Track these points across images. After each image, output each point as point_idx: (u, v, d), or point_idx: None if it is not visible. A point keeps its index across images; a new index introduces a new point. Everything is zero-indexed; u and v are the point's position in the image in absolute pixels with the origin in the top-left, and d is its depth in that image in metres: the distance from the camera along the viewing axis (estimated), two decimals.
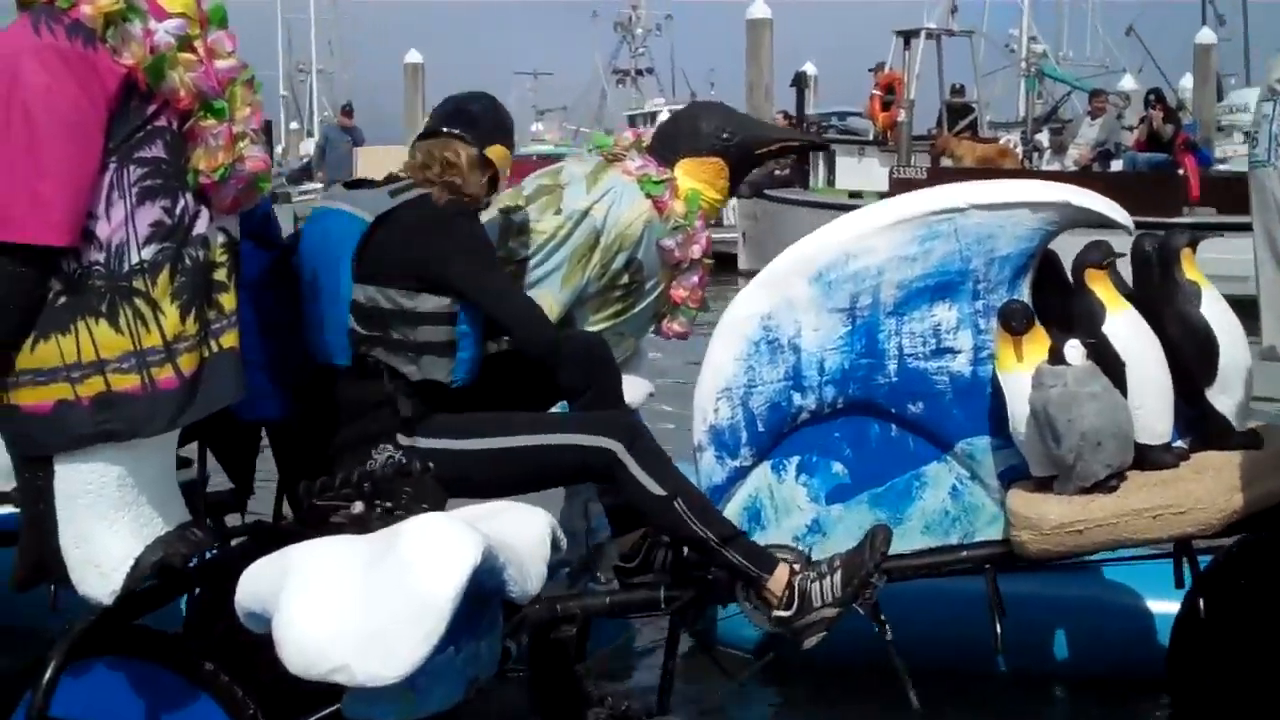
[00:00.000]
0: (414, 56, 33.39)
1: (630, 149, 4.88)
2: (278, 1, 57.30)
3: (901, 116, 27.45)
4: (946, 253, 4.26)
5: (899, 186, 25.44)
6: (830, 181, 28.07)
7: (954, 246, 4.25)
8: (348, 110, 28.84)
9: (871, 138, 28.51)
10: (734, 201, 31.25)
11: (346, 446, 4.05)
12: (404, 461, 3.97)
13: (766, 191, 27.39)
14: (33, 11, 3.42)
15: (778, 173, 29.34)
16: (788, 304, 4.30)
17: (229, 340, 3.60)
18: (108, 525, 3.52)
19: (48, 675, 3.53)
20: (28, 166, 3.31)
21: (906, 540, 4.25)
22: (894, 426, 4.37)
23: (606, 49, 68.68)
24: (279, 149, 42.43)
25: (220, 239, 3.58)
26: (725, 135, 4.82)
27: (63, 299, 3.42)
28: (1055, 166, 25.96)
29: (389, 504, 3.89)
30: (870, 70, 29.62)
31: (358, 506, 3.85)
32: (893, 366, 4.31)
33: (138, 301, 3.46)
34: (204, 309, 3.54)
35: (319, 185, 29.39)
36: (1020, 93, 31.75)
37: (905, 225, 4.27)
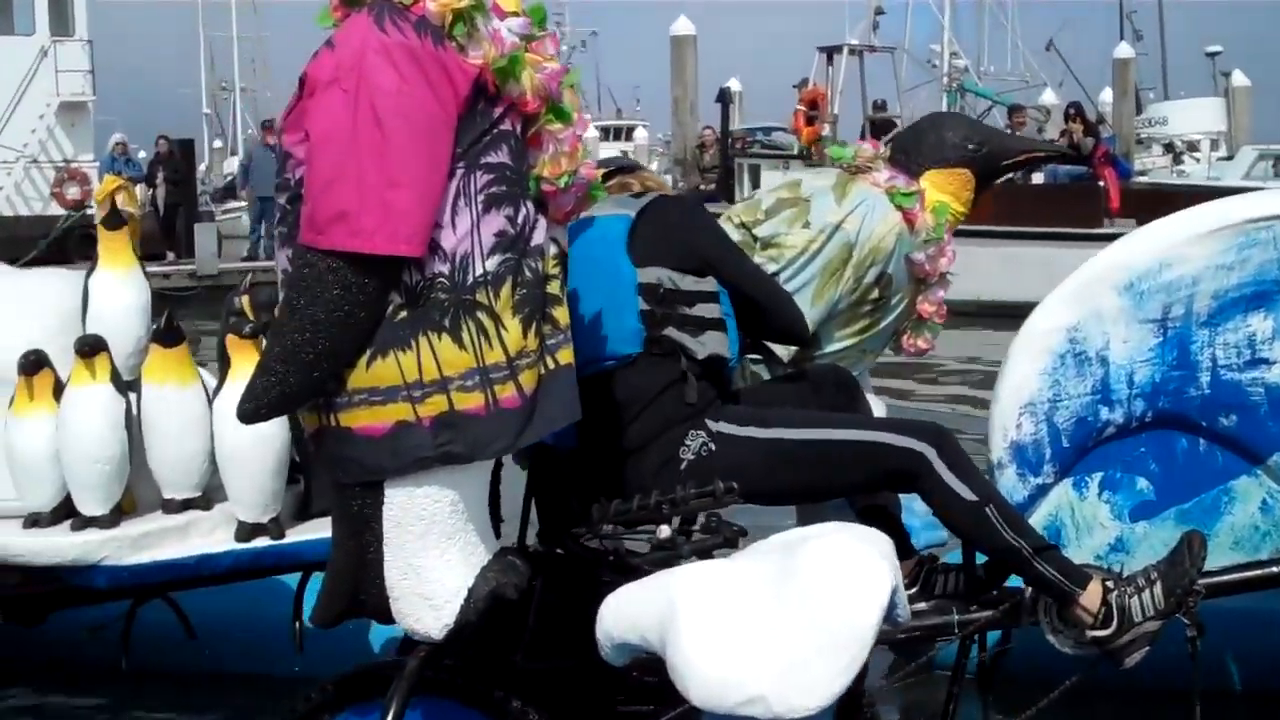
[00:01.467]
0: None
1: (875, 160, 4.73)
2: (199, 18, 56.85)
3: (825, 131, 27.47)
4: (1264, 261, 4.07)
5: None
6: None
7: (1272, 255, 4.06)
8: (269, 126, 28.58)
9: (796, 152, 28.49)
10: None
11: (651, 436, 3.71)
12: (713, 449, 3.70)
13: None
14: (372, 7, 3.14)
15: (703, 187, 29.36)
16: (1095, 315, 4.11)
17: (565, 356, 3.33)
18: (439, 555, 3.23)
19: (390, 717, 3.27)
20: (378, 173, 3.03)
21: (1214, 557, 3.95)
22: (1202, 440, 4.16)
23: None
24: (202, 167, 41.96)
25: (553, 250, 3.32)
26: (972, 146, 4.64)
27: (403, 313, 3.13)
28: None
29: (697, 529, 3.70)
30: (795, 86, 29.64)
31: (664, 531, 3.63)
32: (1205, 379, 4.11)
33: (480, 315, 3.16)
34: (542, 323, 3.28)
35: (243, 203, 29.14)
36: (942, 107, 31.79)
37: (1222, 233, 4.08)
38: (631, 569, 3.96)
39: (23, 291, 4.15)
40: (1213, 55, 44.75)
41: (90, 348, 3.75)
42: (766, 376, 4.29)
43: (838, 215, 4.40)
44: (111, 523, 3.75)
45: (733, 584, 3.05)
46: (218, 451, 3.79)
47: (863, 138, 28.49)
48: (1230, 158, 31.45)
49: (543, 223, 3.31)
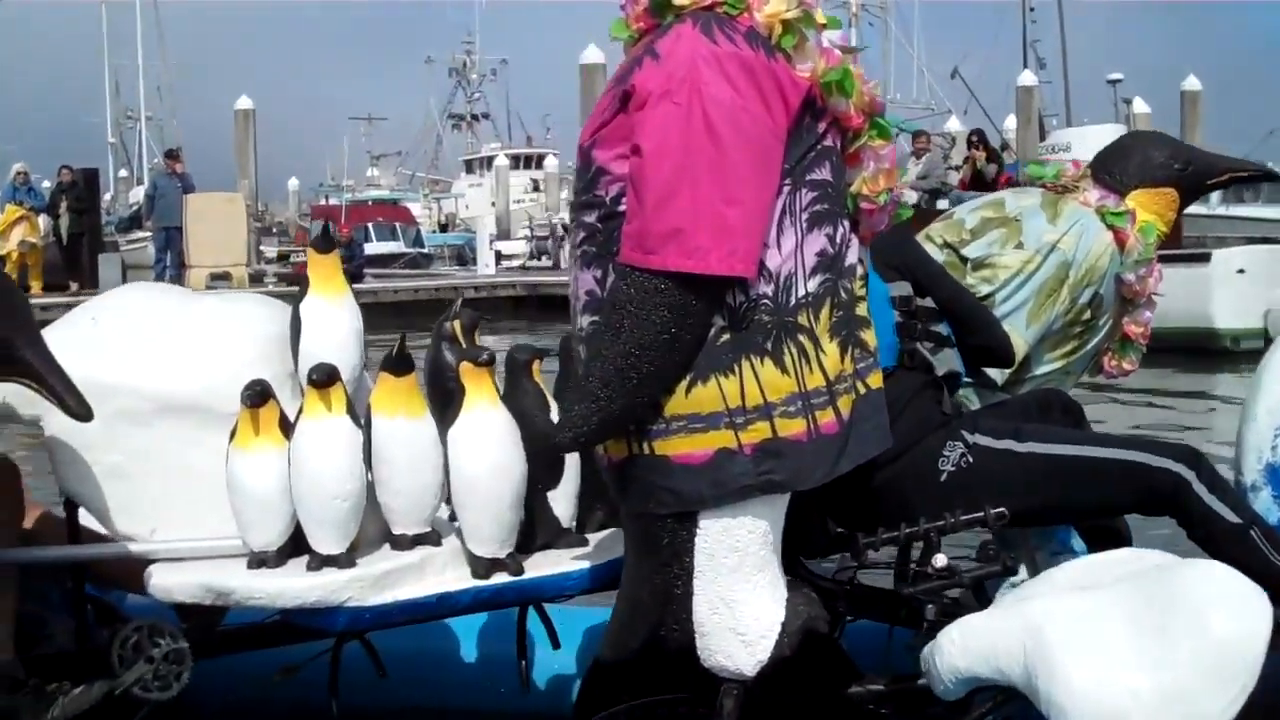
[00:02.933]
0: (245, 103, 32.54)
1: (1082, 179, 4.58)
2: (105, 47, 55.92)
3: None
4: None
5: None
6: None
7: None
8: (173, 155, 28.11)
9: None
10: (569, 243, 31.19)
11: (908, 444, 3.53)
12: (971, 461, 3.53)
13: None
14: (695, 17, 3.01)
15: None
16: None
17: (875, 380, 3.22)
18: (751, 588, 3.11)
19: None
20: (713, 189, 2.89)
21: None
22: None
23: (441, 94, 68.59)
24: (107, 197, 41.26)
25: (860, 270, 3.22)
26: (1178, 166, 4.52)
27: (726, 336, 3.01)
28: None
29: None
30: None
31: (940, 559, 3.46)
32: None
33: (801, 338, 3.05)
34: (855, 346, 3.17)
35: (148, 233, 28.59)
36: None
37: None
38: (870, 599, 3.84)
39: (226, 319, 3.91)
40: (1114, 83, 45.69)
41: (326, 377, 3.53)
42: (975, 403, 4.19)
43: (1054, 235, 4.30)
44: (349, 562, 3.54)
45: (1104, 616, 2.92)
46: (454, 484, 3.58)
47: None
48: None
49: (855, 241, 3.20)
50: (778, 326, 3.02)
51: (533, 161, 51.94)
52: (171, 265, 26.25)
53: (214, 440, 3.70)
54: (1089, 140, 39.51)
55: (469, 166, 54.92)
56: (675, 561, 3.11)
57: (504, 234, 42.08)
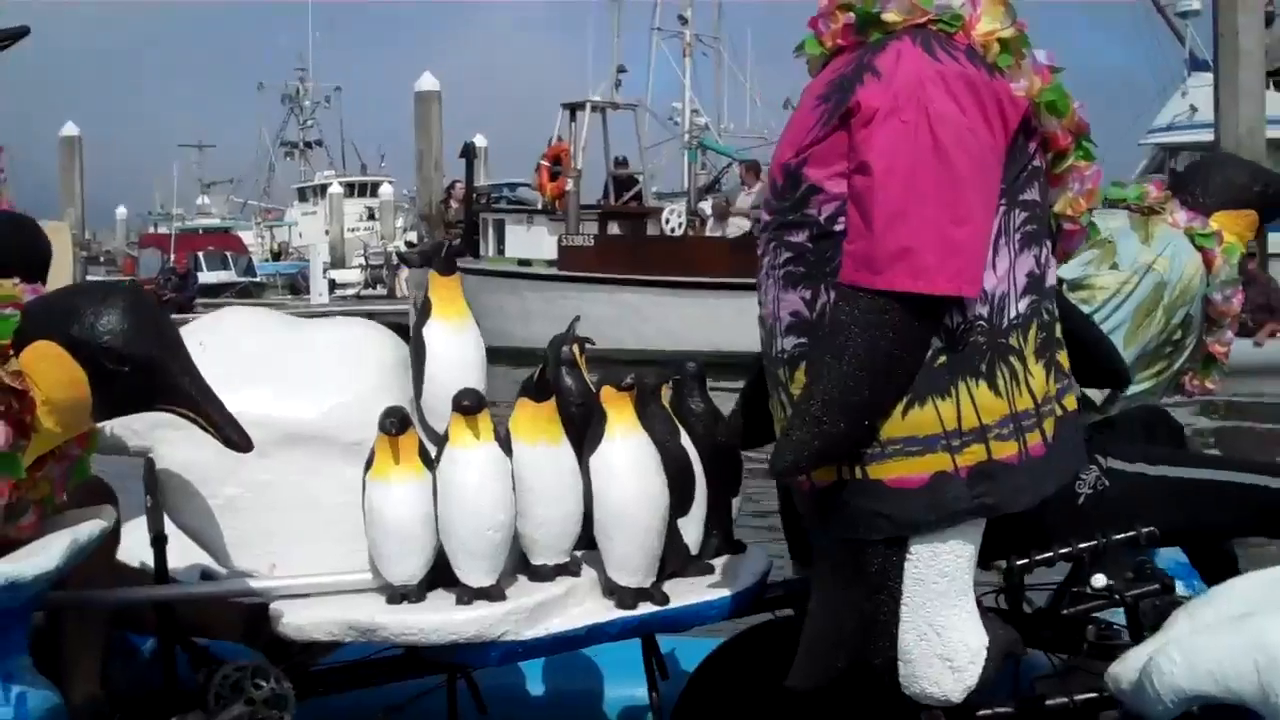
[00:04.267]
0: (70, 129, 31.67)
1: (1167, 201, 4.52)
2: None
3: (569, 186, 27.58)
4: None
5: (567, 253, 25.65)
6: (500, 250, 27.99)
7: None
8: None
9: (540, 207, 28.51)
10: (405, 271, 30.88)
11: None
12: (1107, 485, 3.52)
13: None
14: (914, 33, 2.95)
15: (448, 243, 29.00)
16: None
17: (1070, 402, 3.16)
18: (957, 613, 3.03)
19: None
20: (941, 209, 2.83)
21: None
22: None
23: (274, 121, 67.49)
24: None
25: (1054, 291, 3.17)
26: (1258, 188, 4.52)
27: (943, 358, 2.94)
28: (718, 233, 26.47)
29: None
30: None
31: (1099, 579, 3.43)
32: None
33: (1012, 360, 2.99)
34: (1055, 367, 3.10)
35: None
36: (683, 164, 32.20)
37: None
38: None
39: (344, 345, 3.73)
40: None
41: (474, 404, 3.39)
42: None
43: (1149, 256, 4.30)
44: (500, 594, 3.40)
45: None
46: (599, 513, 3.46)
47: (605, 194, 28.81)
48: None
49: (1054, 262, 3.17)
50: (991, 348, 2.98)
51: (367, 189, 51.26)
52: None
53: (334, 470, 3.56)
54: None
55: (302, 194, 54.19)
56: (883, 588, 3.04)
57: (338, 262, 41.55)
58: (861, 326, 2.89)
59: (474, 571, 3.39)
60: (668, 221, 28.39)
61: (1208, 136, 22.63)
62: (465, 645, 3.35)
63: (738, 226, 25.53)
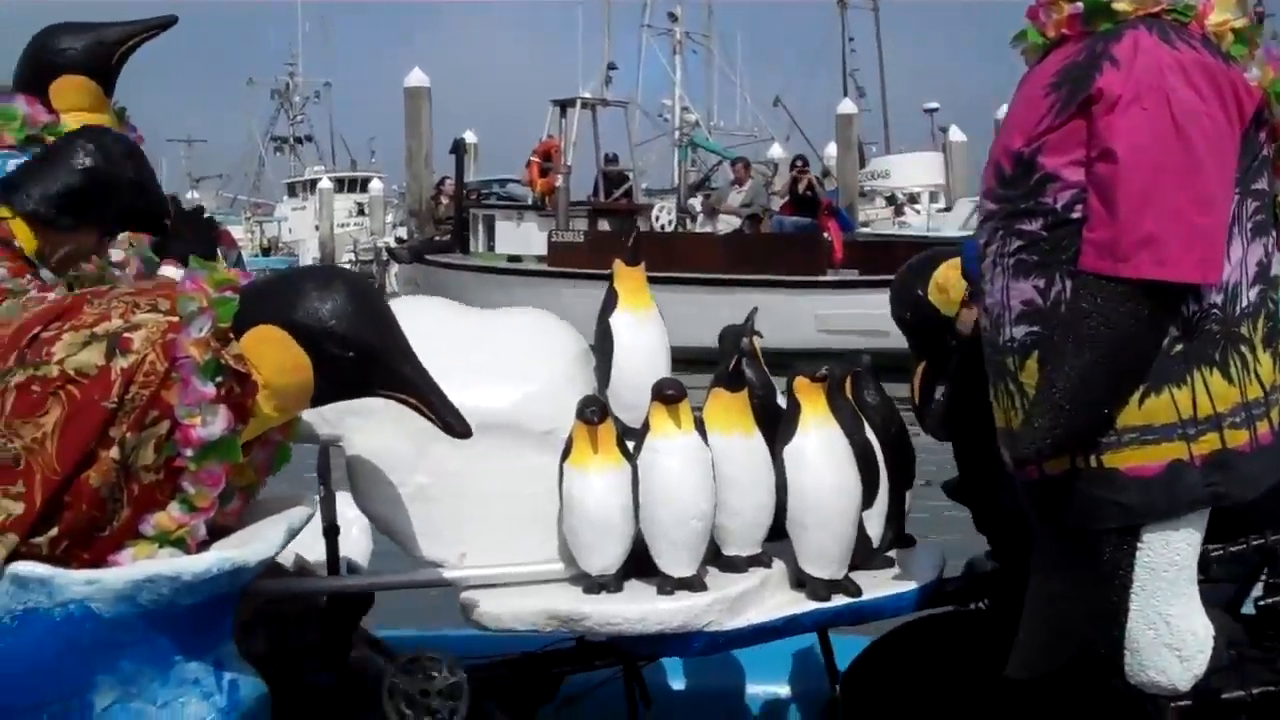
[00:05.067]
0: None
1: None
2: None
3: (559, 183, 27.51)
4: None
5: (557, 249, 25.55)
6: (490, 246, 27.87)
7: None
8: None
9: (530, 203, 28.44)
10: (394, 266, 30.74)
11: None
12: None
13: (427, 257, 26.97)
14: (1149, 22, 2.92)
15: (437, 238, 28.98)
16: None
17: None
18: (1185, 601, 3.00)
19: None
20: (1185, 196, 2.82)
21: None
22: None
23: (264, 116, 66.99)
24: None
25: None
26: None
27: (1179, 346, 2.92)
28: (708, 229, 26.44)
29: None
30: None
31: None
32: None
33: (1243, 349, 2.96)
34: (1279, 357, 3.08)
35: None
36: (674, 161, 32.19)
37: None
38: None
39: (531, 334, 3.69)
40: (931, 111, 46.79)
41: (677, 393, 3.36)
42: None
43: None
44: (701, 585, 3.36)
45: None
46: (792, 503, 3.43)
47: (595, 191, 28.75)
48: (948, 209, 32.72)
49: (1278, 253, 3.15)
50: (1224, 337, 2.96)
51: (357, 185, 50.92)
52: None
53: (525, 460, 3.53)
54: (908, 167, 40.89)
55: (292, 190, 53.66)
56: (1113, 577, 3.01)
57: (328, 257, 41.22)
58: (1104, 315, 2.87)
59: (676, 561, 3.36)
60: (657, 218, 28.34)
61: None
62: (668, 636, 3.31)
63: (727, 224, 25.51)
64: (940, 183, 38.52)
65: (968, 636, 3.82)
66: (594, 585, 3.40)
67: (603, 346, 3.63)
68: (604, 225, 27.94)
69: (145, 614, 2.91)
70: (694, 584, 3.36)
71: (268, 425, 3.13)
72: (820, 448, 3.43)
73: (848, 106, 34.57)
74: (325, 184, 47.61)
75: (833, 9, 49.23)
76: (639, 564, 3.44)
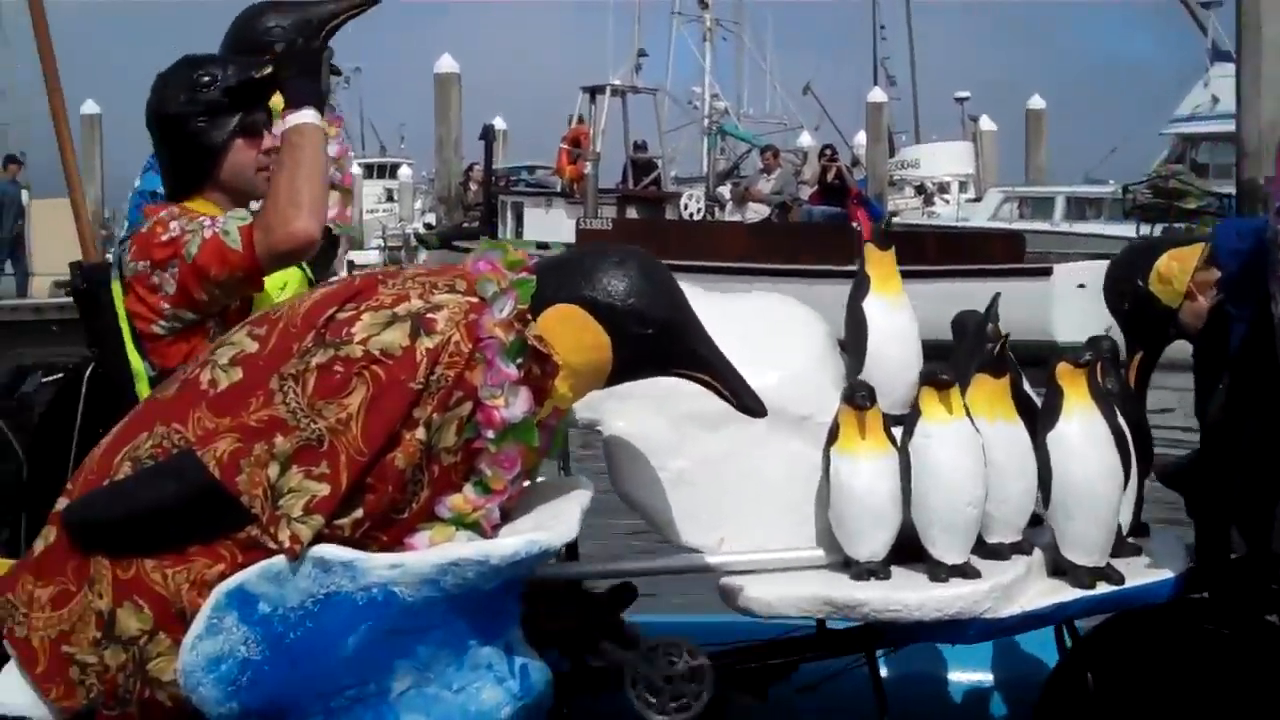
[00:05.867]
0: (91, 107, 31.42)
1: None
2: None
3: (588, 170, 27.47)
4: None
5: (585, 237, 25.47)
6: (518, 233, 27.79)
7: None
8: (15, 160, 26.97)
9: (559, 190, 28.41)
10: (423, 253, 30.70)
11: None
12: None
13: (455, 243, 26.93)
14: None
15: (466, 225, 28.94)
16: None
17: None
18: None
19: None
20: None
21: None
22: None
23: None
24: None
25: None
26: None
27: None
28: (737, 218, 26.41)
29: None
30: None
31: None
32: None
33: None
34: None
35: None
36: (703, 149, 32.10)
37: None
38: None
39: (782, 318, 3.64)
40: (961, 100, 46.36)
41: (948, 379, 3.32)
42: None
43: None
44: (974, 572, 3.32)
45: None
46: (1057, 490, 3.38)
47: (624, 178, 28.69)
48: (978, 199, 32.72)
49: None
50: None
51: (386, 171, 50.91)
52: (18, 273, 25.22)
53: (781, 444, 3.50)
54: (937, 156, 40.79)
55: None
56: None
57: (357, 244, 41.21)
58: None
59: (950, 548, 3.32)
60: (686, 206, 28.31)
61: (1229, 127, 22.60)
62: (944, 623, 3.27)
63: (756, 212, 25.49)
64: (970, 172, 38.44)
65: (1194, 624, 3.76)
66: (863, 571, 3.35)
67: (855, 332, 3.57)
68: (632, 213, 27.93)
69: (446, 598, 2.87)
70: (968, 571, 3.31)
71: (560, 406, 3.08)
72: (1084, 434, 3.38)
73: (878, 95, 34.57)
74: (355, 170, 47.34)
75: None
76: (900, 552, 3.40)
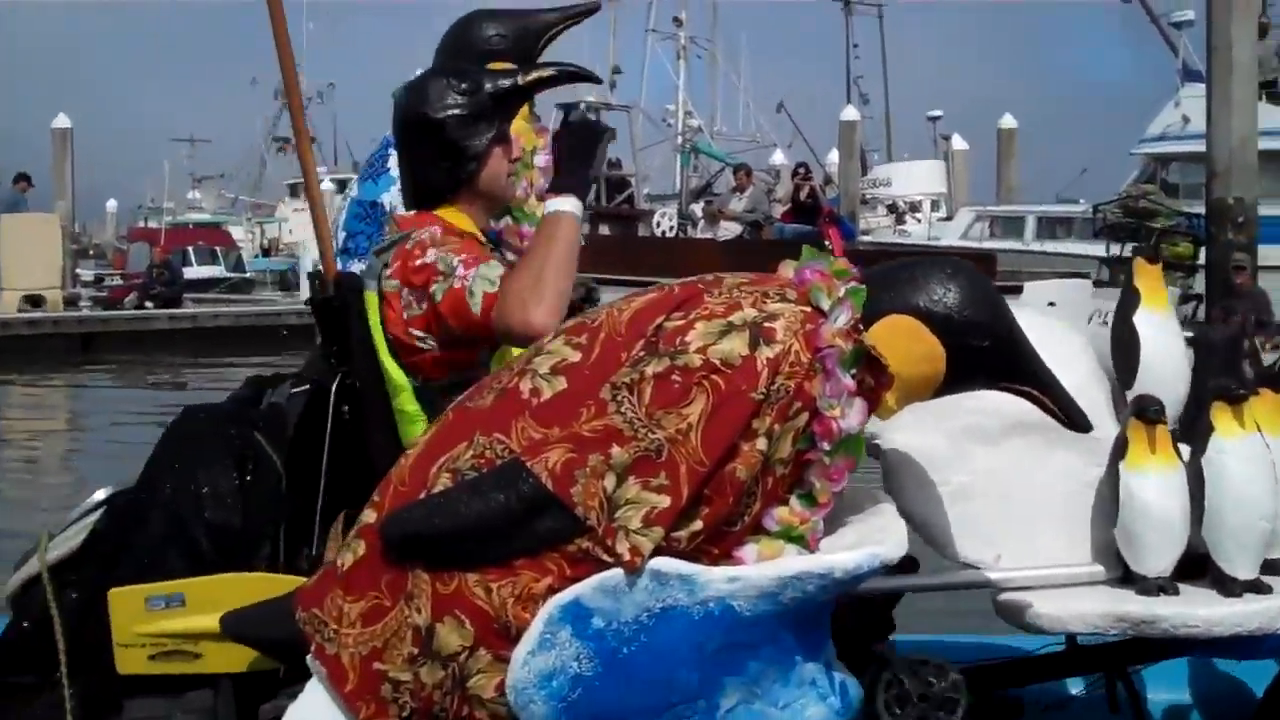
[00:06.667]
0: (62, 121, 31.03)
1: None
2: None
3: None
4: None
5: None
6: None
7: None
8: (25, 177, 26.91)
9: None
10: None
11: None
12: None
13: None
14: None
15: None
16: None
17: None
18: None
19: None
20: None
21: None
22: None
23: (267, 116, 66.31)
24: None
25: None
26: None
27: None
28: (709, 236, 26.42)
29: None
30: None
31: None
32: None
33: None
34: None
35: None
36: (676, 167, 32.10)
37: None
38: None
39: (1054, 330, 3.61)
40: (934, 119, 46.67)
41: (1238, 394, 3.30)
42: None
43: None
44: (1266, 587, 3.30)
45: None
46: None
47: (597, 196, 28.64)
48: (949, 218, 32.84)
49: None
50: None
51: None
52: None
53: (1058, 460, 3.48)
54: (910, 175, 40.98)
55: (293, 190, 53.22)
56: None
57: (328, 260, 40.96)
58: None
59: (1244, 563, 3.30)
60: (658, 224, 28.28)
61: (1200, 147, 22.73)
62: (1242, 639, 3.24)
63: (728, 230, 25.50)
64: (942, 191, 38.63)
65: None
66: (1151, 587, 3.32)
67: (1126, 346, 3.56)
68: (605, 230, 27.86)
69: (781, 613, 2.81)
70: (1260, 586, 3.29)
71: (882, 418, 3.04)
72: None
73: (851, 113, 34.65)
74: (327, 185, 47.31)
75: (838, 14, 49.38)
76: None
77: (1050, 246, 27.98)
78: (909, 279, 2.97)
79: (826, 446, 2.88)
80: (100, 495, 3.65)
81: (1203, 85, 23.54)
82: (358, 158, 58.38)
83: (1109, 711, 3.79)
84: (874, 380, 2.92)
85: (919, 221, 34.57)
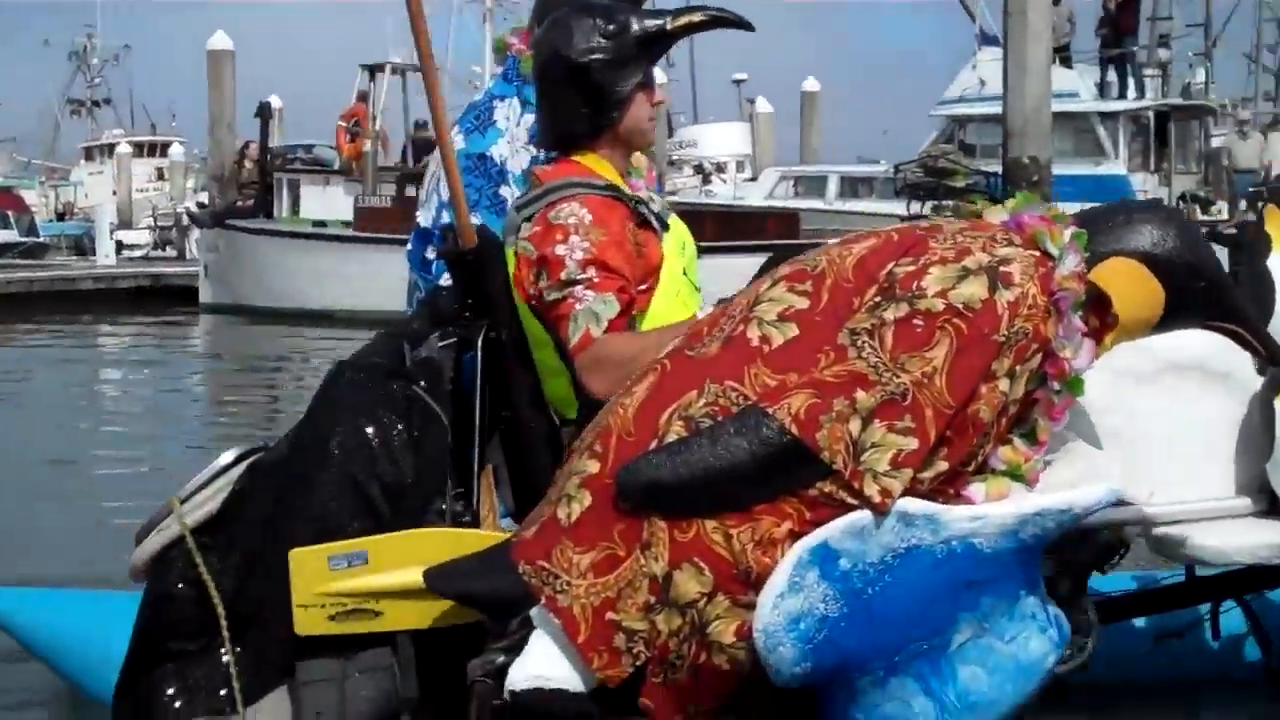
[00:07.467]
0: None
1: None
2: None
3: (367, 147, 27.06)
4: None
5: (364, 214, 25.04)
6: (295, 210, 27.27)
7: None
8: None
9: (337, 168, 27.93)
10: (195, 232, 29.88)
11: None
12: None
13: (229, 221, 26.28)
14: None
15: (240, 203, 28.27)
16: None
17: None
18: None
19: None
20: None
21: None
22: None
23: (60, 78, 64.51)
24: None
25: None
26: None
27: None
28: None
29: None
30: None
31: None
32: None
33: None
34: None
35: None
36: None
37: None
38: None
39: None
40: (739, 83, 47.04)
41: None
42: None
43: None
44: None
45: None
46: None
47: (404, 157, 28.28)
48: (754, 179, 32.96)
49: None
50: None
51: (157, 149, 49.19)
52: None
53: (1210, 400, 3.61)
54: (715, 137, 41.04)
55: (89, 154, 51.60)
56: None
57: (126, 223, 39.92)
58: None
59: None
60: None
61: (996, 109, 23.13)
62: None
63: None
64: (747, 153, 38.91)
65: None
66: None
67: (1259, 290, 3.64)
68: (412, 191, 27.47)
69: (1016, 550, 2.89)
70: None
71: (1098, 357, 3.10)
72: None
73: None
74: (124, 148, 46.26)
75: None
76: None
77: (852, 205, 28.15)
78: (1125, 224, 3.08)
79: (1056, 386, 2.97)
80: (229, 457, 3.57)
81: (999, 49, 23.83)
82: (155, 120, 57.54)
83: (1212, 638, 3.99)
84: (1099, 321, 3.02)
85: (725, 182, 34.68)
